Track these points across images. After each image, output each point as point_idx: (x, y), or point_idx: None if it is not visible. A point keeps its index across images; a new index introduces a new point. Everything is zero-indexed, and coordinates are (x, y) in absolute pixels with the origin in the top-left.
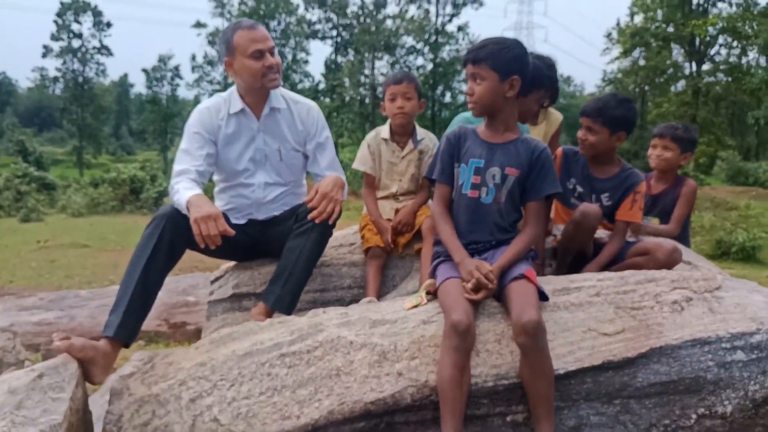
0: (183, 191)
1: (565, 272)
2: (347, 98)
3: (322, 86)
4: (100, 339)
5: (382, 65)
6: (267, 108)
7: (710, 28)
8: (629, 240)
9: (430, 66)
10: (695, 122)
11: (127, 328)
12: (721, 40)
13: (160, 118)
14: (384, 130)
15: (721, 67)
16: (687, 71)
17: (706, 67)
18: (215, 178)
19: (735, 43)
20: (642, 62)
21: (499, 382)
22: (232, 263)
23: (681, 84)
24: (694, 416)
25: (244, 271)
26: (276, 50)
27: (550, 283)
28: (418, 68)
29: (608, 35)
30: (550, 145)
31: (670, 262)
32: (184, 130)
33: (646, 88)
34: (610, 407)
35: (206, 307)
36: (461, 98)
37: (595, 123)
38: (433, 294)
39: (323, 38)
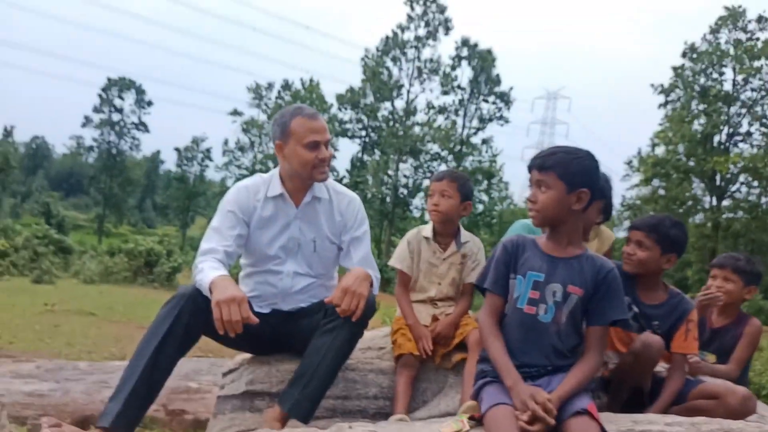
0: (207, 271)
1: (618, 409)
2: (369, 195)
3: (346, 181)
4: (95, 428)
5: (406, 167)
6: (309, 196)
7: (731, 166)
8: (689, 378)
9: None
10: (714, 256)
11: (126, 418)
12: (741, 178)
13: (184, 196)
14: (426, 229)
15: (741, 204)
16: (707, 205)
17: (726, 203)
18: (242, 261)
19: (755, 183)
20: (662, 192)
21: None
22: (248, 355)
23: (699, 217)
24: None
25: (260, 366)
26: (330, 142)
27: (611, 421)
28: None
29: (629, 163)
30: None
31: (743, 411)
32: (219, 206)
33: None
34: None
35: (211, 398)
36: (479, 207)
37: (648, 238)
38: (476, 420)
39: (352, 137)
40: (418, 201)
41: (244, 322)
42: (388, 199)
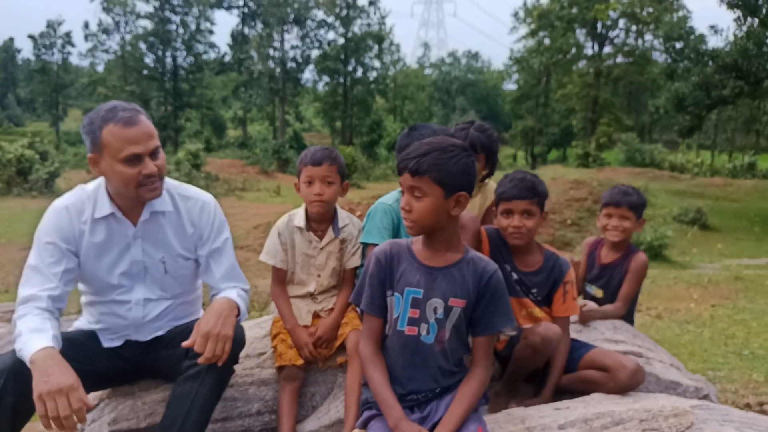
0: (27, 337)
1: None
2: (255, 73)
3: (228, 59)
4: None
5: (292, 38)
6: (147, 212)
7: (611, 12)
8: (579, 341)
9: (341, 40)
10: (597, 103)
11: None
12: (621, 24)
13: (50, 88)
14: (298, 217)
15: (622, 49)
16: (589, 52)
17: (607, 50)
18: (81, 287)
19: (633, 27)
20: (547, 41)
21: None
22: (104, 390)
23: (582, 63)
24: None
25: (123, 400)
26: (160, 149)
27: (503, 429)
28: (329, 42)
29: (515, 14)
30: (484, 218)
31: (633, 384)
32: (35, 236)
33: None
34: None
35: None
36: (373, 74)
37: (531, 205)
38: None
39: (229, 8)
40: (308, 74)
41: (77, 415)
42: (277, 74)
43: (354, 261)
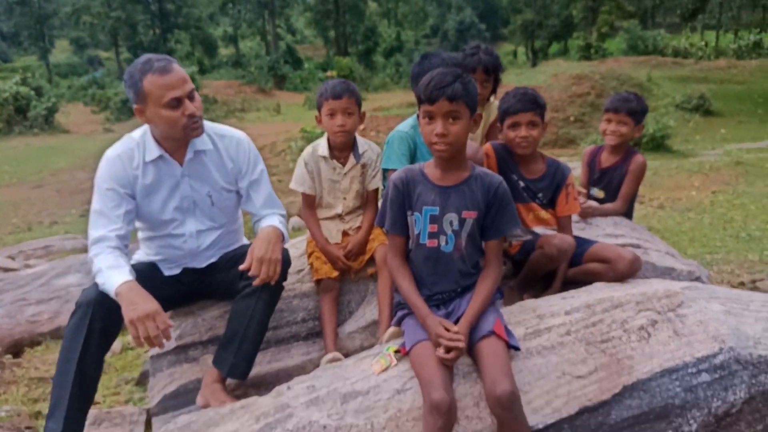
0: (107, 273)
1: (523, 291)
2: None
3: None
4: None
5: None
6: (191, 152)
7: None
8: (582, 238)
9: None
10: None
11: None
12: None
13: (33, 21)
14: (322, 147)
15: None
16: None
17: None
18: (138, 225)
19: None
20: None
21: None
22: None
23: None
24: None
25: (185, 319)
26: (194, 91)
27: (519, 322)
28: None
29: None
30: (488, 134)
31: (631, 272)
32: (94, 184)
33: None
34: None
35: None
36: None
37: (535, 116)
38: (402, 354)
39: None
40: None
41: (164, 334)
42: None
43: (375, 183)
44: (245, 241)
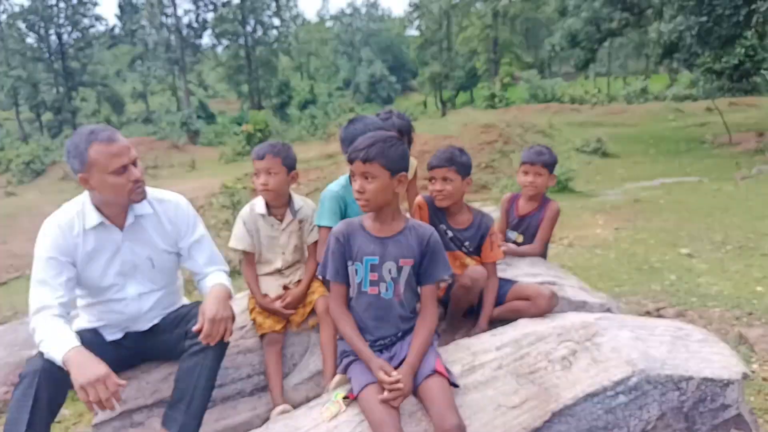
0: (53, 341)
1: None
2: (150, 43)
3: (118, 30)
4: None
5: (184, 2)
6: (131, 217)
7: None
8: (504, 279)
9: (237, 0)
10: (497, 44)
11: None
12: None
13: None
14: (259, 205)
15: None
16: None
17: None
18: (78, 293)
19: None
20: None
21: None
22: None
23: (479, 5)
24: None
25: (128, 383)
26: (137, 158)
27: (455, 360)
28: (224, 3)
29: None
30: (408, 189)
31: (549, 307)
32: (35, 254)
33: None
34: None
35: None
36: (274, 33)
37: (450, 171)
38: (351, 399)
39: None
40: (207, 38)
41: (114, 396)
42: (172, 42)
43: (313, 237)
44: (185, 300)
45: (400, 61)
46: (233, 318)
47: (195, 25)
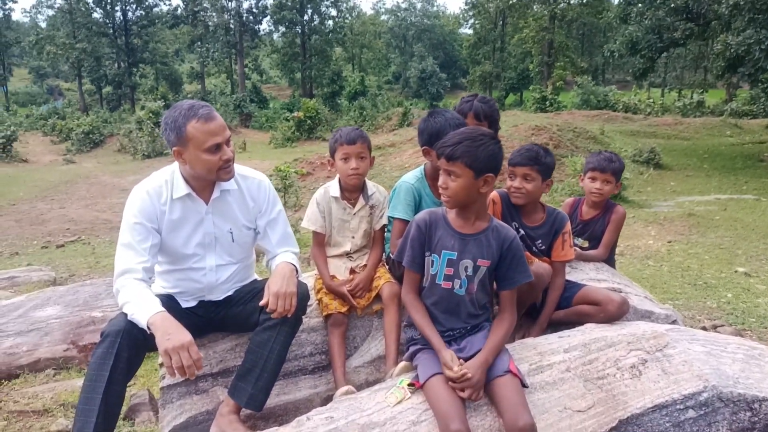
0: (137, 303)
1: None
2: (211, 26)
3: (180, 11)
4: None
5: None
6: (217, 191)
7: None
8: (572, 281)
9: None
10: (552, 47)
11: None
12: None
13: None
14: (333, 188)
15: None
16: None
17: None
18: (158, 259)
19: None
20: None
21: None
22: None
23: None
24: None
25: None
26: (230, 137)
27: (521, 359)
28: None
29: None
30: None
31: (620, 314)
32: (123, 217)
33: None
34: None
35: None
36: (330, 23)
37: (532, 170)
38: (416, 387)
39: None
40: (265, 25)
41: (196, 364)
42: (232, 26)
43: (381, 223)
44: (256, 276)
45: (452, 58)
46: (304, 296)
47: (255, 10)
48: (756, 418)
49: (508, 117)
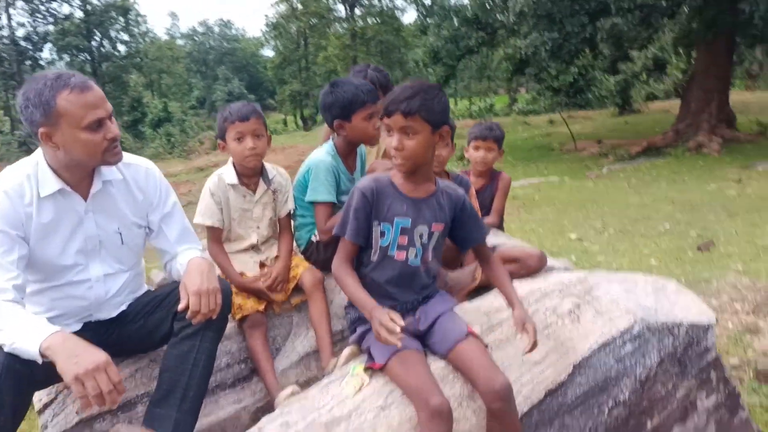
0: (17, 329)
1: None
2: None
3: None
4: None
5: (19, 13)
6: (98, 183)
7: None
8: None
9: (79, 14)
10: (356, 63)
11: None
12: None
13: None
14: (228, 174)
15: (371, 10)
16: (343, 15)
17: (358, 11)
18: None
19: None
20: (300, 6)
21: None
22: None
23: (336, 26)
24: (606, 410)
25: None
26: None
27: (471, 322)
28: (66, 17)
29: None
30: (383, 158)
31: (540, 266)
32: None
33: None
34: (551, 429)
35: None
36: (122, 48)
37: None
38: (374, 370)
39: None
40: (47, 53)
41: (118, 388)
42: (5, 56)
43: (287, 208)
44: (148, 287)
45: (257, 80)
46: (226, 292)
47: (34, 37)
48: (677, 342)
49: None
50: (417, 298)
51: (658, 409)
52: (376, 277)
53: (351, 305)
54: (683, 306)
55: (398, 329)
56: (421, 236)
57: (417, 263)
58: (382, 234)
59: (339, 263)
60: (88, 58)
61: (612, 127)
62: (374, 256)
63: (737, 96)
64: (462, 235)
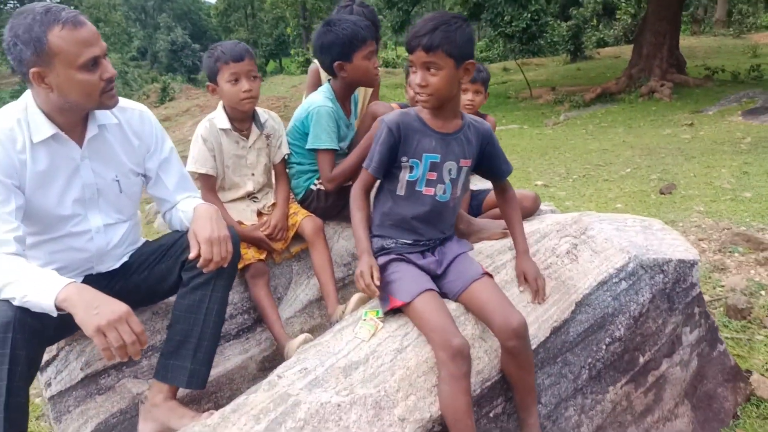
0: (27, 282)
1: None
2: None
3: None
4: None
5: None
6: (93, 128)
7: None
8: (473, 189)
9: None
10: (306, 9)
11: None
12: None
13: None
14: (220, 119)
15: None
16: None
17: None
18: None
19: None
20: None
21: (485, 385)
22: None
23: None
24: (603, 346)
25: (87, 342)
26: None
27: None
28: None
29: None
30: (371, 98)
31: (535, 207)
32: None
33: None
34: (555, 366)
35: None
36: None
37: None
38: (392, 311)
39: None
40: None
41: (140, 339)
42: None
43: (281, 153)
44: (144, 238)
45: (200, 28)
46: (239, 240)
47: None
48: (667, 278)
49: (277, 82)
50: (440, 237)
51: (649, 345)
52: (403, 212)
53: (377, 235)
54: (670, 243)
55: (377, 292)
56: (450, 172)
57: (446, 198)
58: (411, 169)
59: (356, 194)
60: (18, 4)
61: (565, 74)
62: (401, 191)
63: (683, 41)
64: (491, 169)
